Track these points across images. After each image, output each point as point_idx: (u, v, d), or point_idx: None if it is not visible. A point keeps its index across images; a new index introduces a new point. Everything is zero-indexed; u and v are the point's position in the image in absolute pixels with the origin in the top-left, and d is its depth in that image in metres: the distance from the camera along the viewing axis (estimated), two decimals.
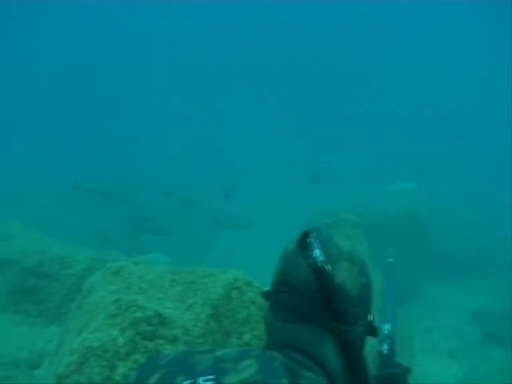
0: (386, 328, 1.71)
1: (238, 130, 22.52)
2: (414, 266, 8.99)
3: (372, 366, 2.04)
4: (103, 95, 25.82)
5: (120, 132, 21.04)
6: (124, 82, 27.90)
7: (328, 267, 1.11)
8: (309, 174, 11.59)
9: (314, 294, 1.13)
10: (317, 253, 1.11)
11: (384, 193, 9.63)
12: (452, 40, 30.26)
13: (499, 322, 7.59)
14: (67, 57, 28.87)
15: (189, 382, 1.11)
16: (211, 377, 1.09)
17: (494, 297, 9.21)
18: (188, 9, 31.39)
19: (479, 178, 16.88)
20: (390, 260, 1.97)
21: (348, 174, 15.98)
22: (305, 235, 1.15)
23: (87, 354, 1.95)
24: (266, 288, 1.77)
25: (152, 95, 26.67)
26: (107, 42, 30.20)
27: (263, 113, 24.06)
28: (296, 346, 1.14)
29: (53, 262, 4.68)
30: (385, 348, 1.66)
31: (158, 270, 2.57)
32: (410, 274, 8.68)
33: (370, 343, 1.91)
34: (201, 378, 1.10)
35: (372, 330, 1.26)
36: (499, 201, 14.41)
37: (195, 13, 31.80)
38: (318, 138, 21.71)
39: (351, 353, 1.17)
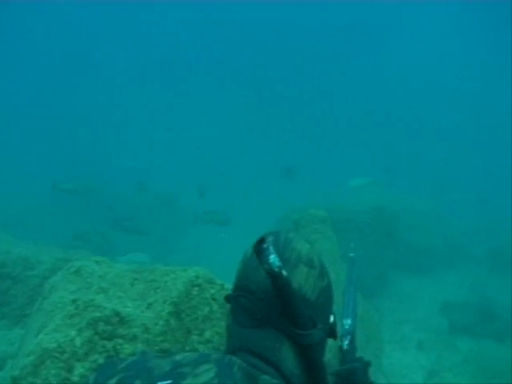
0: (347, 323, 1.73)
1: (211, 127, 22.45)
2: (384, 260, 9.15)
3: (334, 361, 2.07)
4: (75, 95, 25.36)
5: (93, 131, 20.77)
6: (97, 82, 27.45)
7: (284, 272, 1.11)
8: (281, 169, 11.63)
9: (272, 299, 1.14)
10: (272, 258, 1.11)
11: (350, 188, 9.79)
12: (438, 40, 30.65)
13: (466, 312, 7.80)
14: (43, 56, 28.24)
15: None
16: (169, 381, 1.09)
17: (462, 288, 9.46)
18: (156, 8, 30.91)
19: (448, 175, 17.31)
20: (351, 254, 1.99)
21: (319, 170, 16.11)
22: (260, 241, 1.14)
23: (43, 355, 1.91)
24: (229, 284, 1.77)
25: (124, 95, 26.34)
26: (80, 42, 29.60)
27: (236, 111, 24.04)
28: (254, 350, 1.15)
29: (16, 263, 4.57)
30: (345, 343, 1.68)
31: (120, 268, 2.54)
32: (379, 268, 8.83)
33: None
34: (158, 383, 1.09)
35: (332, 333, 1.27)
36: (467, 196, 14.82)
37: (165, 12, 31.38)
38: (292, 134, 21.86)
39: (309, 356, 1.18)
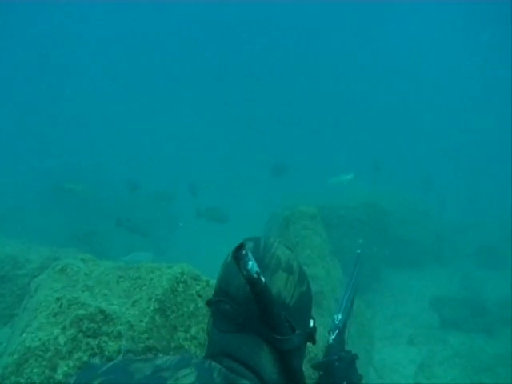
0: (337, 318, 1.75)
1: (201, 126, 22.43)
2: (376, 256, 9.18)
3: (320, 356, 2.07)
4: (66, 94, 25.22)
5: (85, 131, 20.72)
6: (92, 82, 27.30)
7: (262, 278, 1.11)
8: (273, 167, 11.61)
9: (252, 304, 1.14)
10: (250, 264, 1.11)
11: (329, 186, 9.82)
12: (433, 38, 30.57)
13: (456, 307, 7.85)
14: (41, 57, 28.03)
15: None
16: None
17: (452, 283, 9.51)
18: (150, 8, 30.61)
19: (439, 169, 17.40)
20: (358, 251, 2.03)
21: (310, 165, 16.14)
22: (239, 247, 1.14)
23: (26, 354, 1.90)
24: (215, 281, 1.77)
25: (116, 94, 26.23)
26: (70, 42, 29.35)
27: (226, 109, 24.00)
28: (233, 355, 1.16)
29: (4, 262, 4.53)
30: (331, 338, 1.71)
31: (106, 266, 2.53)
32: (371, 264, 8.86)
33: (323, 334, 1.94)
34: None
35: (311, 338, 1.27)
36: (457, 192, 14.92)
37: (158, 11, 31.11)
38: (284, 132, 21.89)
39: (287, 361, 1.19)
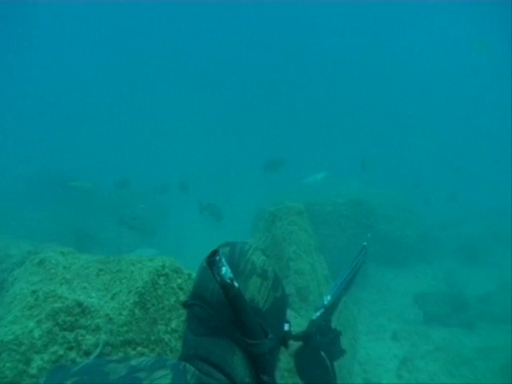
0: (326, 299, 1.79)
1: (191, 122, 22.37)
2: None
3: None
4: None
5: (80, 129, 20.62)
6: (93, 81, 27.06)
7: (236, 284, 1.11)
8: (266, 162, 11.57)
9: (226, 308, 1.14)
10: (224, 270, 1.11)
11: (305, 185, 9.86)
12: (432, 38, 30.61)
13: (439, 303, 7.93)
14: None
15: None
16: None
17: (436, 280, 9.61)
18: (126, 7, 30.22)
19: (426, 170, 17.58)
20: (364, 243, 2.07)
21: (300, 162, 16.15)
22: (213, 253, 1.14)
23: None
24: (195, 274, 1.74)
25: (110, 92, 26.06)
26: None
27: (218, 106, 23.96)
28: (206, 358, 1.16)
29: None
30: (315, 315, 1.73)
31: (86, 259, 2.48)
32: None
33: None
34: None
35: (285, 342, 1.28)
36: (440, 190, 15.07)
37: (155, 10, 30.79)
38: (275, 130, 21.92)
39: (259, 365, 1.19)
